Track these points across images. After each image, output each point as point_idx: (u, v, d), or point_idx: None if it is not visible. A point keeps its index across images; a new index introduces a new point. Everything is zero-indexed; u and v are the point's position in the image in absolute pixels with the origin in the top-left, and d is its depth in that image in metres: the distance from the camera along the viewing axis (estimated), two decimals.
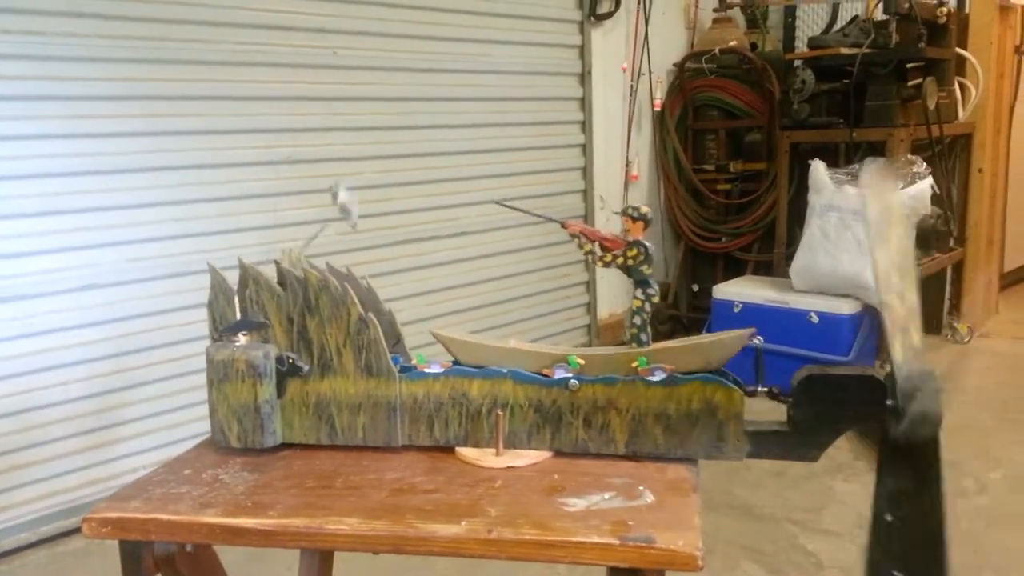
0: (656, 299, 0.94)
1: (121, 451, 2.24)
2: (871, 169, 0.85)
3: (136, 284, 2.23)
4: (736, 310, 3.10)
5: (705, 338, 0.93)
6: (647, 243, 0.92)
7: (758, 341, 0.89)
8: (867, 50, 3.03)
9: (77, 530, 2.17)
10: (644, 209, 0.92)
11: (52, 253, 2.09)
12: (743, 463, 2.42)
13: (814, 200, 2.99)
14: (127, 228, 2.20)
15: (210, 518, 0.79)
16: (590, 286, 3.54)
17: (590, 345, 3.56)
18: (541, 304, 3.33)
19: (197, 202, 2.32)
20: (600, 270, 3.48)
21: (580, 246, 0.95)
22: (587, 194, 3.47)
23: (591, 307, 3.56)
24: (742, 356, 0.92)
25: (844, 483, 2.27)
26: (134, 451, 2.27)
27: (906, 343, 0.82)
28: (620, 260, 0.93)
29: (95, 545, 2.11)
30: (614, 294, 3.62)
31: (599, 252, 0.95)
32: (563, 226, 0.97)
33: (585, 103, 3.39)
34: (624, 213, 0.93)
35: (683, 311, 3.83)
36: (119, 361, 2.22)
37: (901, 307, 0.81)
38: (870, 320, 2.90)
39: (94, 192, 2.13)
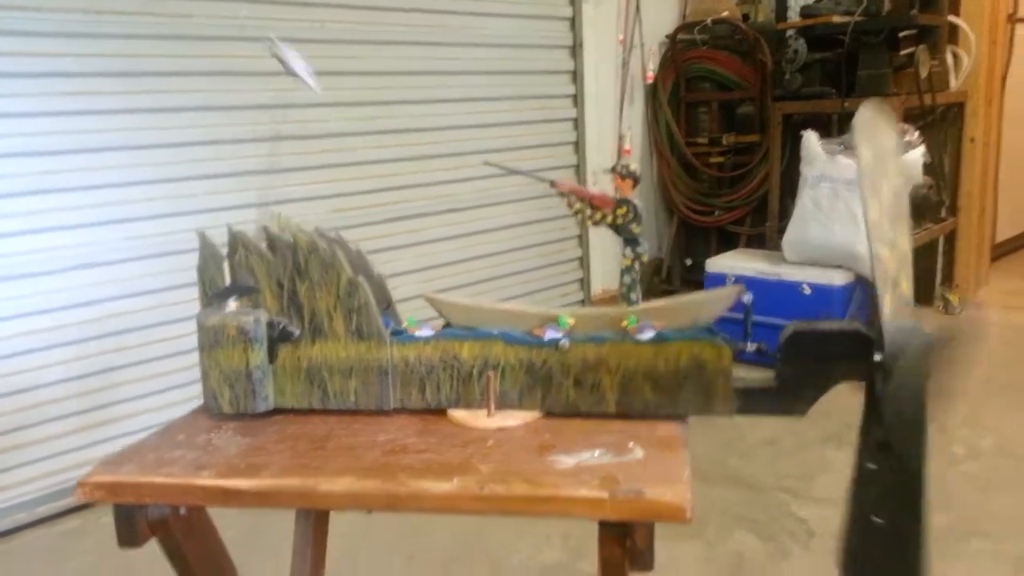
0: (645, 258, 0.95)
1: (118, 430, 2.24)
2: (865, 113, 0.84)
3: (130, 263, 2.22)
4: (729, 283, 3.10)
5: (695, 295, 0.93)
6: (636, 201, 0.92)
7: (747, 298, 0.90)
8: (859, 18, 3.02)
9: (74, 510, 2.18)
10: (633, 166, 0.92)
11: (44, 232, 2.07)
12: (736, 433, 2.42)
13: (806, 171, 2.99)
14: (119, 206, 2.19)
15: (204, 480, 0.79)
16: (583, 262, 3.54)
17: None
18: (535, 280, 3.33)
19: (189, 180, 2.30)
20: (594, 244, 3.48)
21: (570, 205, 0.96)
22: (580, 169, 3.46)
23: (584, 283, 3.56)
24: (733, 316, 0.93)
25: (835, 451, 2.29)
26: (131, 430, 2.27)
27: (896, 296, 0.82)
28: (609, 219, 0.94)
29: (91, 524, 2.13)
30: (607, 270, 3.62)
31: (589, 211, 0.95)
32: (552, 185, 0.97)
33: (577, 76, 3.38)
34: (613, 171, 0.93)
35: (676, 285, 3.84)
36: (115, 340, 2.22)
37: (892, 258, 0.81)
38: (862, 291, 2.91)
39: (85, 170, 2.12)
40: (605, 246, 3.56)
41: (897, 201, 0.80)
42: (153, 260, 2.25)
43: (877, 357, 0.84)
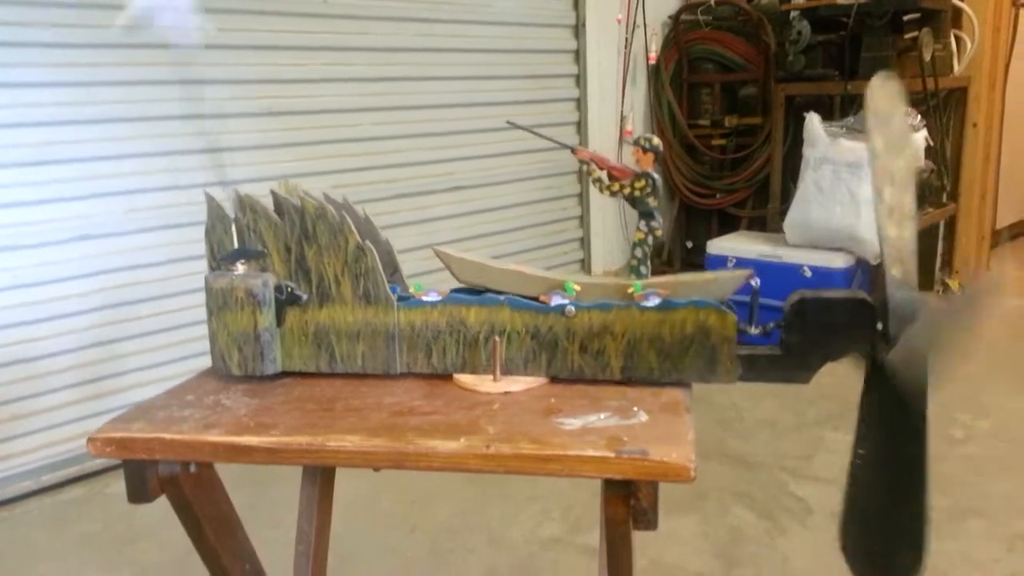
0: (659, 232, 0.95)
1: (121, 401, 2.26)
2: (876, 88, 0.85)
3: (130, 235, 2.22)
4: (730, 265, 3.11)
5: (703, 275, 0.94)
6: (656, 175, 0.93)
7: (755, 282, 0.90)
8: (863, 0, 3.01)
9: (78, 479, 2.20)
10: (656, 140, 0.93)
11: (44, 203, 2.08)
12: (735, 413, 2.44)
13: (809, 153, 2.98)
14: (119, 178, 2.19)
15: (214, 437, 0.80)
16: (584, 242, 3.55)
17: None
18: (536, 260, 3.34)
19: (187, 153, 2.30)
20: (596, 226, 3.49)
21: (589, 173, 0.96)
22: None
23: (585, 263, 3.57)
24: (739, 299, 0.94)
25: (834, 432, 2.30)
26: (133, 401, 2.25)
27: (902, 270, 0.83)
28: (627, 190, 0.94)
29: (96, 493, 2.15)
30: (608, 250, 3.63)
31: (607, 181, 0.95)
32: (573, 152, 0.97)
33: (579, 56, 3.37)
34: (635, 143, 0.93)
35: (677, 267, 3.85)
36: (115, 312, 2.23)
37: (900, 236, 0.82)
38: (863, 273, 2.92)
39: (84, 142, 2.12)
40: (606, 227, 3.57)
41: (907, 180, 0.81)
42: (154, 232, 2.26)
43: (880, 326, 0.85)
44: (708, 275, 0.97)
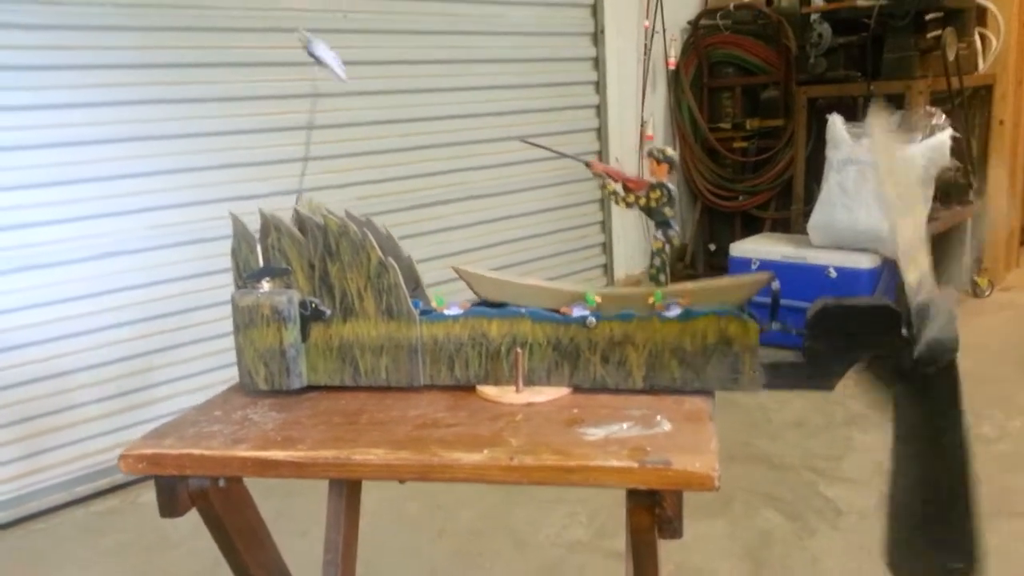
0: (677, 241, 0.95)
1: (150, 413, 2.29)
2: (875, 122, 0.86)
3: (157, 251, 2.26)
4: (754, 267, 3.09)
5: (723, 280, 0.94)
6: (671, 185, 0.93)
7: (775, 284, 0.90)
8: (884, 1, 2.98)
9: (110, 490, 2.24)
10: (669, 151, 0.93)
11: (73, 221, 2.12)
12: (762, 415, 2.42)
13: (832, 155, 2.96)
14: (146, 196, 2.23)
15: (242, 452, 0.82)
16: (606, 248, 3.55)
17: None
18: (558, 266, 3.34)
19: (213, 169, 2.34)
20: (617, 231, 3.48)
21: (603, 186, 0.96)
22: (602, 155, 3.46)
23: (608, 269, 3.57)
24: (760, 301, 0.94)
25: (862, 433, 2.28)
26: (163, 413, 2.31)
27: (920, 273, 0.83)
28: (643, 201, 0.94)
29: (128, 503, 2.18)
30: (630, 255, 3.63)
31: (622, 192, 0.95)
32: (587, 165, 0.98)
33: (599, 63, 3.37)
34: (649, 155, 0.93)
35: (700, 270, 3.83)
36: (144, 326, 2.27)
37: (913, 244, 0.82)
38: (889, 274, 2.88)
39: (111, 160, 2.16)
40: (628, 232, 3.56)
41: (914, 196, 0.82)
42: (179, 248, 2.30)
43: (904, 332, 0.84)
44: (727, 280, 0.97)
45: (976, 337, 2.97)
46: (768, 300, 0.95)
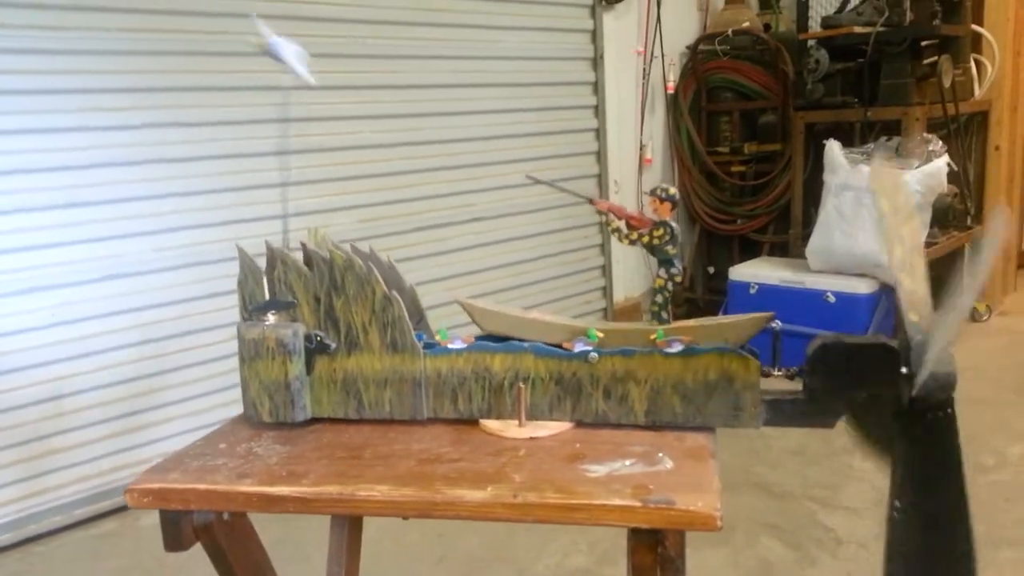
0: (679, 279, 0.97)
1: (150, 436, 2.29)
2: (878, 172, 0.87)
3: (160, 273, 2.27)
4: (752, 291, 3.11)
5: (723, 319, 0.95)
6: (674, 223, 0.95)
7: (776, 324, 0.91)
8: (881, 28, 3.02)
9: (110, 513, 2.23)
10: (672, 190, 0.95)
11: (77, 244, 2.13)
12: (763, 442, 2.43)
13: (829, 180, 2.98)
14: (149, 218, 2.24)
15: (247, 487, 0.82)
16: (606, 270, 3.56)
17: None
18: (558, 288, 3.35)
19: (216, 192, 2.35)
20: (616, 254, 3.50)
21: (607, 223, 0.98)
22: (601, 178, 3.48)
23: (607, 291, 3.58)
24: (761, 337, 0.95)
25: (862, 461, 2.28)
26: (163, 436, 2.32)
27: (920, 314, 0.84)
28: (646, 239, 0.96)
29: (127, 527, 2.18)
30: (630, 277, 3.64)
31: (625, 230, 0.97)
32: (591, 203, 1.00)
33: (598, 87, 3.40)
34: (652, 194, 0.95)
35: (699, 293, 3.84)
36: (146, 348, 2.27)
37: (913, 282, 0.83)
38: (887, 299, 2.90)
39: (114, 183, 2.17)
40: (627, 255, 3.58)
41: (915, 240, 0.83)
42: (181, 270, 2.31)
43: (904, 370, 0.85)
44: (729, 319, 0.98)
45: (974, 362, 2.98)
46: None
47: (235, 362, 2.45)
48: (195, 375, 2.37)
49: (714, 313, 3.29)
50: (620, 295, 3.60)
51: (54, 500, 2.15)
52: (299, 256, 0.98)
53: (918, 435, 0.82)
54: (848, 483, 2.18)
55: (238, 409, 2.49)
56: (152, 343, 2.28)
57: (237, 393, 2.40)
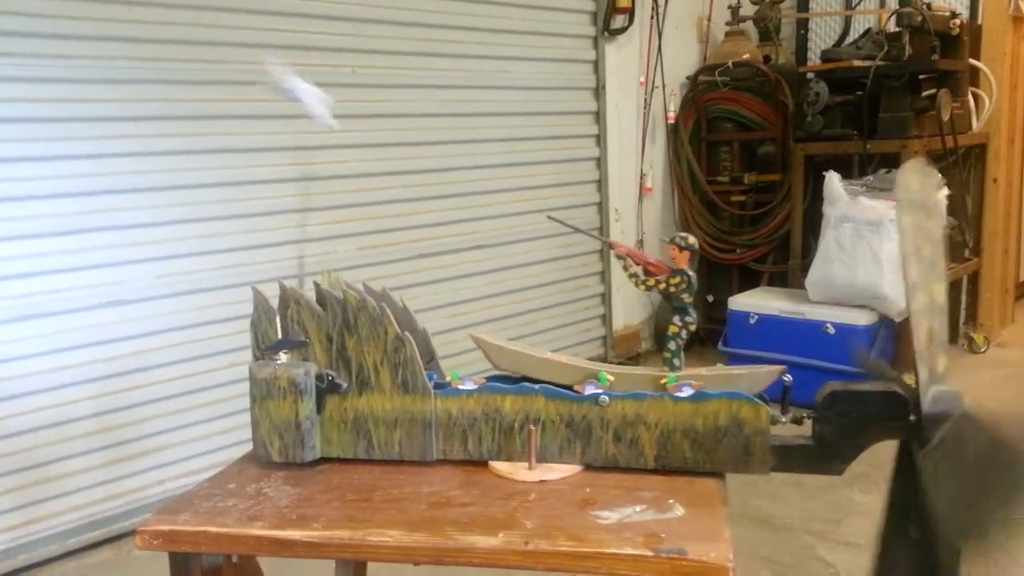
0: (693, 327, 0.97)
1: (147, 464, 2.28)
2: (911, 174, 0.85)
3: (159, 300, 2.27)
4: (752, 321, 3.12)
5: (736, 370, 0.96)
6: (691, 272, 0.95)
7: (788, 379, 0.92)
8: (880, 62, 3.06)
9: (103, 542, 2.21)
10: (691, 239, 0.96)
11: (77, 271, 2.13)
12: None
13: (829, 211, 3.01)
14: (151, 246, 2.24)
15: (258, 530, 0.82)
16: (606, 298, 3.57)
17: (606, 356, 3.58)
18: (558, 316, 3.36)
19: (218, 219, 2.36)
20: (616, 282, 3.51)
21: (625, 268, 0.99)
22: (602, 207, 3.50)
23: (607, 319, 3.59)
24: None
25: (862, 494, 2.28)
26: (160, 463, 2.30)
27: (933, 360, 0.84)
28: (663, 286, 0.96)
29: (122, 556, 2.16)
30: (629, 305, 3.65)
31: (642, 276, 0.98)
32: (611, 246, 1.00)
33: (599, 117, 3.43)
34: (671, 242, 0.96)
35: (698, 323, 3.85)
36: (143, 376, 2.26)
37: (929, 318, 0.83)
38: (886, 331, 2.91)
39: (117, 211, 2.17)
40: (627, 283, 3.58)
41: (936, 262, 0.82)
42: (182, 297, 2.30)
43: (913, 418, 0.86)
44: (740, 370, 0.98)
45: (972, 394, 2.98)
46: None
47: (234, 390, 2.44)
48: (189, 403, 2.35)
49: (713, 343, 3.29)
50: (620, 323, 3.61)
51: (49, 529, 2.13)
52: (312, 294, 0.98)
53: (928, 493, 0.82)
54: (849, 517, 2.17)
55: (237, 438, 2.47)
56: (149, 370, 2.27)
57: (236, 422, 2.39)
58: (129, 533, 2.23)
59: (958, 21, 3.20)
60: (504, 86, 3.05)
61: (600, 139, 3.45)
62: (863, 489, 2.30)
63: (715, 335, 3.36)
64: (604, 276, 3.54)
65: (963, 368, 3.33)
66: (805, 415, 0.90)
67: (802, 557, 1.99)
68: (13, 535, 2.08)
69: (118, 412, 2.23)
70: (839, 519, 2.16)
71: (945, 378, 0.82)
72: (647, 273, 0.97)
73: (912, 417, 0.86)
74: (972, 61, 3.42)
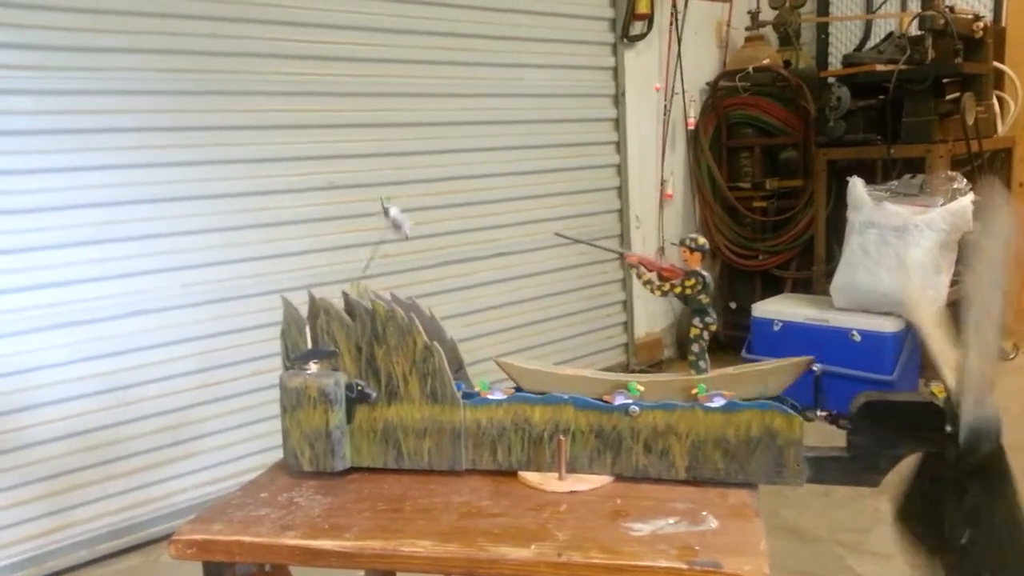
0: (714, 327, 0.97)
1: (174, 471, 2.30)
2: (1000, 213, 0.81)
3: (185, 309, 2.29)
4: (776, 328, 3.09)
5: (764, 365, 0.95)
6: (705, 273, 0.95)
7: (817, 368, 0.91)
8: (903, 66, 3.03)
9: (132, 548, 2.23)
10: (701, 240, 0.95)
11: (103, 280, 2.15)
12: None
13: (853, 217, 2.98)
14: (176, 255, 2.26)
15: (291, 540, 0.82)
16: (627, 305, 3.56)
17: (628, 364, 3.57)
18: (579, 323, 3.35)
19: (243, 228, 2.38)
20: (637, 289, 3.50)
21: (639, 276, 0.98)
22: (622, 213, 3.50)
23: (628, 326, 3.57)
24: (801, 378, 0.94)
25: (890, 504, 2.25)
26: (186, 471, 2.32)
27: (975, 378, 0.82)
28: (678, 289, 0.96)
29: (150, 562, 2.17)
30: (651, 313, 3.63)
31: (657, 282, 0.97)
32: (622, 257, 1.00)
33: (619, 124, 3.43)
34: (682, 244, 0.95)
35: (720, 329, 3.82)
36: (168, 384, 2.28)
37: (979, 357, 0.81)
38: (913, 338, 2.87)
39: (143, 220, 2.20)
40: (648, 292, 3.57)
41: (998, 317, 0.80)
42: (208, 306, 2.32)
43: (948, 428, 0.84)
44: (768, 365, 0.97)
45: (999, 401, 2.94)
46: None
47: (258, 398, 2.45)
48: (218, 410, 2.37)
49: (736, 349, 3.27)
50: (641, 331, 3.59)
51: (77, 535, 2.16)
52: (341, 305, 0.99)
53: (971, 483, 0.81)
54: (876, 527, 2.15)
55: (262, 446, 2.47)
56: (176, 379, 2.29)
57: (260, 430, 2.40)
58: (156, 539, 2.25)
59: (982, 24, 3.17)
60: (524, 94, 3.06)
61: (620, 146, 3.44)
62: (891, 498, 2.27)
63: (739, 342, 3.34)
64: (625, 283, 3.53)
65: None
66: (838, 414, 0.89)
67: (832, 568, 1.96)
68: (42, 541, 2.10)
69: (144, 420, 2.25)
70: (867, 529, 2.14)
71: (991, 391, 0.81)
72: (661, 278, 0.97)
73: (948, 428, 0.85)
74: (996, 64, 3.37)
